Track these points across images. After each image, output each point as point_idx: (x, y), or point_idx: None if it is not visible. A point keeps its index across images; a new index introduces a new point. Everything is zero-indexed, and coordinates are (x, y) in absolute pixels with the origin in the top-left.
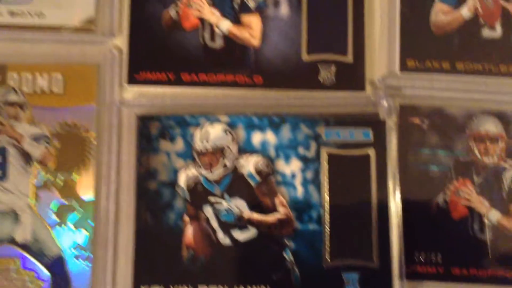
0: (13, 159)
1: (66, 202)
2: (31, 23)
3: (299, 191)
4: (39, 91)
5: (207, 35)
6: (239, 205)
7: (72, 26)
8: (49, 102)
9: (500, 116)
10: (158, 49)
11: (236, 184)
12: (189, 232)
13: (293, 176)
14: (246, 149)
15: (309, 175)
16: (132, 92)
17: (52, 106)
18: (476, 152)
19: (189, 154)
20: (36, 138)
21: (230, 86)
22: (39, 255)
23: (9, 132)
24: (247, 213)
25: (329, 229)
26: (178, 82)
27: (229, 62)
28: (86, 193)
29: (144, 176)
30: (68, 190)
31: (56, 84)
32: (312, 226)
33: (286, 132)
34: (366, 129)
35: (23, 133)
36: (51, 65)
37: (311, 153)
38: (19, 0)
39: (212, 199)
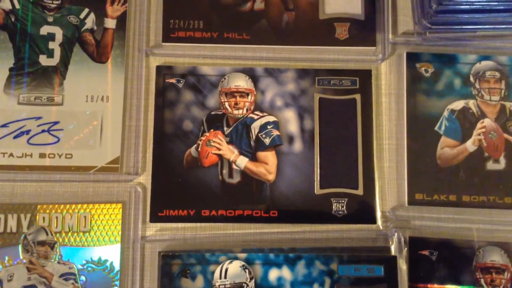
0: None
1: None
2: (60, 164)
3: None
4: (67, 229)
5: (225, 171)
6: None
7: (99, 166)
8: (77, 240)
9: (506, 248)
10: (179, 186)
11: None
12: None
13: None
14: (263, 284)
15: None
16: (154, 228)
17: (79, 245)
18: (483, 283)
19: None
20: (64, 277)
21: (247, 220)
22: None
23: (40, 272)
24: None
25: None
26: (198, 218)
27: (246, 197)
28: None
29: None
30: None
31: (83, 223)
32: None
33: (301, 268)
34: (378, 266)
35: (52, 271)
36: (79, 204)
37: None
38: (48, 143)
39: None
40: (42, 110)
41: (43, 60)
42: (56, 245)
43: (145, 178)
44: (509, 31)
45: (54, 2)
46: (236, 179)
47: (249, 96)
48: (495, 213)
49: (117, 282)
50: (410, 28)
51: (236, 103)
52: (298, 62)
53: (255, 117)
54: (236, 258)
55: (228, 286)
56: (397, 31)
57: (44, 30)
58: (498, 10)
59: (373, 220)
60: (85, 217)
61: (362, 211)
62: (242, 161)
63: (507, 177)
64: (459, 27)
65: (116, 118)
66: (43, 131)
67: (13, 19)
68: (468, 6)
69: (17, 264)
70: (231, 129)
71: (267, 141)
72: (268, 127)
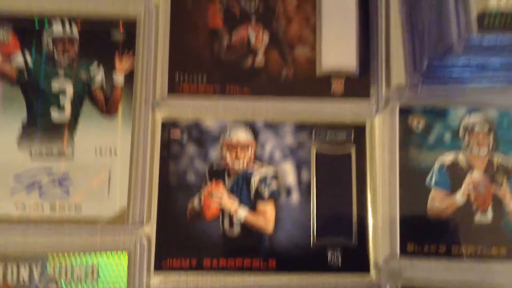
0: None
1: None
2: (69, 216)
3: None
4: (76, 279)
5: (226, 223)
6: None
7: (106, 217)
8: None
9: None
10: (182, 237)
11: None
12: None
13: None
14: None
15: None
16: (158, 278)
17: None
18: None
19: None
20: None
21: (246, 270)
22: None
23: None
24: None
25: None
26: (200, 267)
27: (246, 248)
28: None
29: None
30: None
31: (91, 272)
32: None
33: None
34: None
35: None
36: (87, 254)
37: None
38: (58, 195)
39: None
40: (52, 163)
41: (55, 114)
42: None
43: (151, 228)
44: (498, 86)
45: (65, 57)
46: (237, 230)
47: (249, 149)
48: (483, 265)
49: None
50: (403, 81)
51: (237, 156)
52: (296, 115)
53: (255, 169)
54: None
55: None
56: (391, 84)
57: (56, 85)
58: (487, 67)
59: (366, 269)
60: (93, 267)
61: (356, 260)
62: (242, 213)
63: (494, 228)
64: (449, 83)
65: (124, 170)
66: (53, 183)
67: (26, 75)
68: (457, 64)
69: None
70: (232, 181)
71: (266, 193)
72: (267, 180)
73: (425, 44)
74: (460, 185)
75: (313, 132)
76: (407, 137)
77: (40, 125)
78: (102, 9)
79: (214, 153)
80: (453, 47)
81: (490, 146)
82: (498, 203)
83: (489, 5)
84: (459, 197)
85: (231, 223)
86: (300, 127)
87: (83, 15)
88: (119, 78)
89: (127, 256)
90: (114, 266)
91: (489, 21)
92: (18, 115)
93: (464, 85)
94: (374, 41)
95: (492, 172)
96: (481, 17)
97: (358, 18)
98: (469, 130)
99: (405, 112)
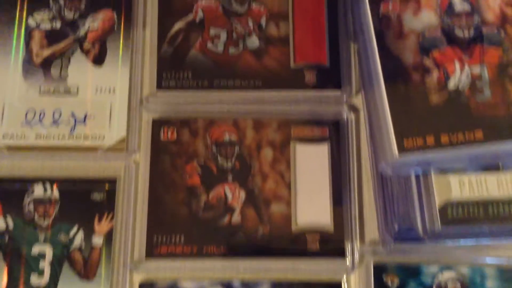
0: None
1: None
2: None
3: None
4: None
5: None
6: None
7: None
8: None
9: None
10: None
11: None
12: None
13: None
14: None
15: None
16: None
17: None
18: None
19: None
20: None
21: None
22: None
23: None
24: None
25: None
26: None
27: None
28: None
29: None
30: None
31: None
32: None
33: None
34: None
35: None
36: None
37: None
38: None
39: None
40: None
41: (34, 279)
42: None
43: None
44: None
45: (45, 220)
46: None
47: None
48: None
49: None
50: (377, 237)
51: None
52: (273, 273)
53: None
54: None
55: None
56: (365, 240)
57: (36, 249)
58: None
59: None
60: None
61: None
62: None
63: None
64: (421, 242)
65: None
66: None
67: (6, 239)
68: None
69: None
70: None
71: None
72: None
73: (395, 212)
74: None
75: None
76: None
77: None
78: (82, 171)
79: None
80: (418, 237)
81: None
82: None
83: (451, 197)
84: None
85: None
86: (277, 286)
87: (62, 176)
88: (98, 241)
89: None
90: None
91: (452, 212)
92: None
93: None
94: (347, 197)
95: None
96: (444, 208)
97: (331, 175)
98: None
99: (379, 270)
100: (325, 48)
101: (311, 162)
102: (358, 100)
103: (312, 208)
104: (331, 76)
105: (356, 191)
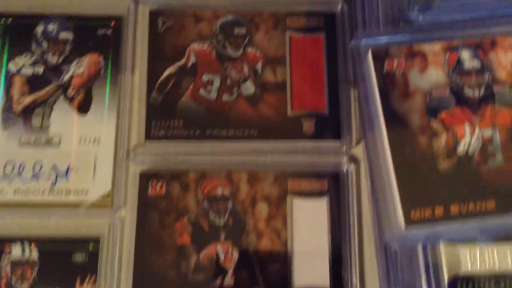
0: None
1: None
2: None
3: None
4: None
5: None
6: None
7: None
8: None
9: None
10: None
11: None
12: None
13: None
14: None
15: None
16: None
17: None
18: None
19: None
20: None
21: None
22: None
23: None
24: None
25: None
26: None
27: None
28: None
29: None
30: None
31: None
32: None
33: None
34: None
35: None
36: None
37: None
38: None
39: None
40: None
41: None
42: None
43: None
44: None
45: (23, 285)
46: None
47: None
48: None
49: None
50: None
51: None
52: None
53: None
54: None
55: None
56: None
57: None
58: None
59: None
60: None
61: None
62: None
63: None
64: None
65: None
66: None
67: None
68: None
69: None
70: None
71: None
72: None
73: (399, 281)
74: None
75: None
76: None
77: None
78: (64, 229)
79: None
80: None
81: None
82: None
83: (460, 270)
84: None
85: None
86: None
87: (42, 236)
88: None
89: None
90: None
91: (461, 286)
92: None
93: None
94: (347, 256)
95: None
96: (453, 283)
97: (330, 232)
98: None
99: None
100: (324, 95)
101: (309, 218)
102: (359, 150)
103: (310, 269)
104: (330, 125)
105: (357, 249)
